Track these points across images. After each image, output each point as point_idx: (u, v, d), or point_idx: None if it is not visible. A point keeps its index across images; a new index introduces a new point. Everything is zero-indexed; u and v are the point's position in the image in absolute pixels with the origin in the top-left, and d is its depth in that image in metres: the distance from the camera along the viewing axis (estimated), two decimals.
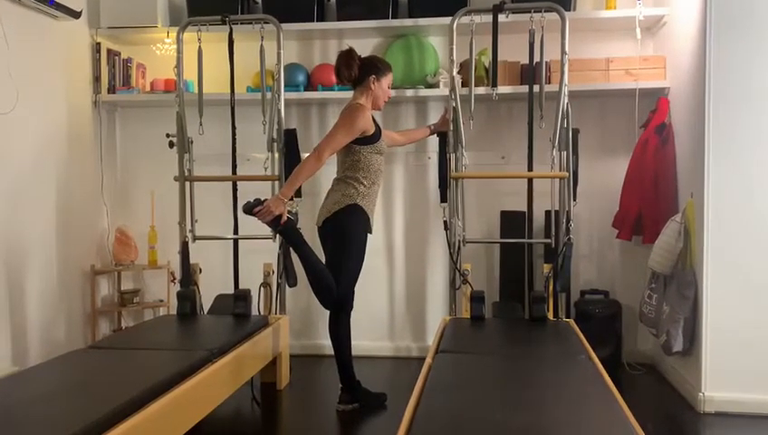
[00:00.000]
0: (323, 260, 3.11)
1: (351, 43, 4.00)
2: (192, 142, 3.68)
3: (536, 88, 3.56)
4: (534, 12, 3.43)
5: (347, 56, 3.12)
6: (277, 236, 3.55)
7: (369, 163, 3.09)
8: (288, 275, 3.36)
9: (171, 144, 3.66)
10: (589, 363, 2.54)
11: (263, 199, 2.97)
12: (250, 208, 2.97)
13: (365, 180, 3.09)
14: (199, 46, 3.69)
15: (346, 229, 3.07)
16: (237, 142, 3.81)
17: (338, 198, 3.08)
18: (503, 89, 3.65)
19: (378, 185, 3.16)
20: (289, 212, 3.01)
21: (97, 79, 4.02)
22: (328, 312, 3.16)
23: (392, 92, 3.28)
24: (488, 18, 3.50)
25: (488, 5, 3.48)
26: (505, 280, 3.89)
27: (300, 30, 3.90)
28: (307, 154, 3.92)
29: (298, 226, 3.10)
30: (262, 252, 3.75)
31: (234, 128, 3.79)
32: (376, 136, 3.10)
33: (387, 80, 3.18)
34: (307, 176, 3.05)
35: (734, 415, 3.00)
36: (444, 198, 3.55)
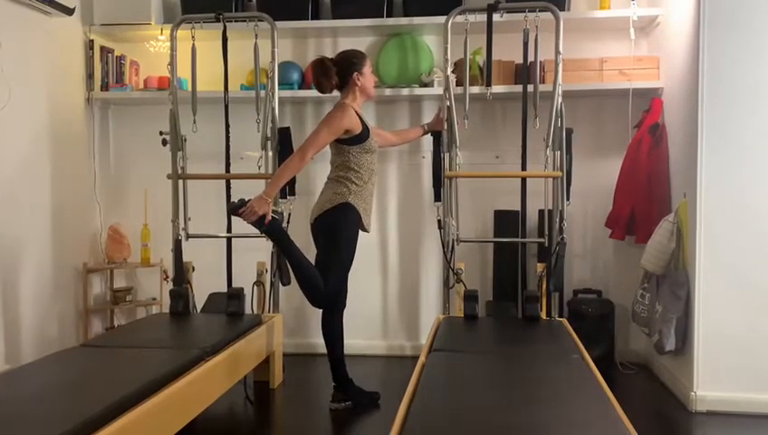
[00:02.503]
0: (314, 258, 3.11)
1: (346, 41, 4.01)
2: (185, 140, 3.66)
3: (530, 87, 3.57)
4: (529, 11, 3.44)
5: (322, 67, 3.07)
6: None
7: (360, 163, 3.08)
8: (282, 274, 3.36)
9: (164, 142, 3.65)
10: (581, 363, 2.54)
11: (247, 200, 2.97)
12: (234, 209, 2.96)
13: (357, 180, 3.08)
14: (193, 44, 3.67)
15: (336, 227, 3.06)
16: (231, 140, 3.79)
17: (330, 197, 3.08)
18: (497, 88, 3.66)
19: (371, 184, 3.16)
20: (274, 211, 3.00)
21: (90, 76, 4.00)
22: (321, 311, 3.16)
23: (374, 77, 3.26)
24: (483, 17, 3.50)
25: (483, 5, 3.48)
26: (499, 279, 3.90)
27: (294, 28, 3.89)
28: None
29: (285, 224, 3.09)
30: (255, 250, 3.74)
31: (227, 126, 3.78)
32: (364, 135, 3.08)
33: (367, 67, 3.14)
34: (290, 175, 3.05)
35: (726, 414, 3.02)
36: (438, 198, 3.55)
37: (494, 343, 2.96)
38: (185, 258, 3.65)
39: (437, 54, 3.97)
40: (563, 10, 3.62)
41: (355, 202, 3.07)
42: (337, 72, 3.09)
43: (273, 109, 3.61)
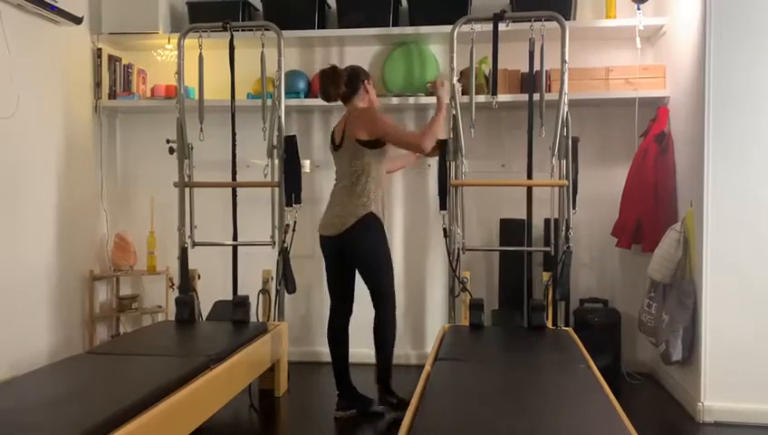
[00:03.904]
0: (342, 273, 3.18)
1: (352, 50, 4.04)
2: (192, 148, 3.68)
3: (536, 96, 3.57)
4: (534, 21, 3.44)
5: (333, 74, 3.11)
6: (276, 242, 3.55)
7: (377, 168, 3.12)
8: (287, 282, 3.36)
9: (171, 150, 3.66)
10: (588, 372, 2.53)
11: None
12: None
13: (374, 186, 3.11)
14: (200, 53, 3.69)
15: (374, 248, 3.10)
16: (237, 149, 3.81)
17: (352, 210, 3.07)
18: (503, 97, 3.66)
19: (382, 188, 3.18)
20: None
21: (98, 84, 4.03)
22: (326, 319, 3.17)
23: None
24: (488, 27, 3.51)
25: (489, 14, 3.49)
26: (505, 288, 3.89)
27: (301, 37, 3.91)
28: (307, 161, 3.93)
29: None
30: (261, 258, 3.75)
31: (234, 134, 3.79)
32: (382, 140, 3.12)
33: (371, 84, 3.24)
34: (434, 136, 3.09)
35: (734, 425, 3.00)
36: (443, 206, 3.55)
37: (499, 352, 2.95)
38: (191, 266, 3.65)
39: (443, 63, 3.97)
40: (569, 19, 3.62)
41: (376, 210, 3.11)
42: (347, 81, 3.11)
43: (279, 117, 3.62)
